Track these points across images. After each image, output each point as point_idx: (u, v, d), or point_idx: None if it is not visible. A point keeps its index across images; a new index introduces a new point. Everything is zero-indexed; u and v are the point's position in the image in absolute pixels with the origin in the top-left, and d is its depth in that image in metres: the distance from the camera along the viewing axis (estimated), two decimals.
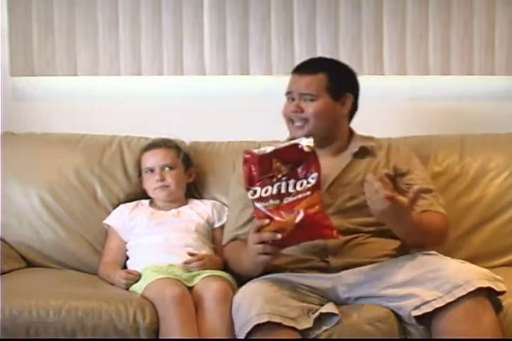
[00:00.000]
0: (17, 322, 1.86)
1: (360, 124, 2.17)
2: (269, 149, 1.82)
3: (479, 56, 2.59)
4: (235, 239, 2.13)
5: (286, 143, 1.85)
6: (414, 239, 1.96)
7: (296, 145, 1.82)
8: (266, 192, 1.79)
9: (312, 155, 1.81)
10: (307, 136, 1.95)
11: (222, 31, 2.64)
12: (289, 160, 1.81)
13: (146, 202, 2.34)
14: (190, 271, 2.07)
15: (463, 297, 1.72)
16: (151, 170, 2.29)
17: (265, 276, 1.97)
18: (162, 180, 2.27)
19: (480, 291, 1.73)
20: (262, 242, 1.78)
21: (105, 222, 2.32)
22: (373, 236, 2.01)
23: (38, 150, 2.49)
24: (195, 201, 2.35)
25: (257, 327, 1.73)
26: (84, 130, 2.55)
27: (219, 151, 2.46)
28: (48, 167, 2.43)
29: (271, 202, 1.79)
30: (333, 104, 2.09)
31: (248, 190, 1.81)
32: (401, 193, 2.01)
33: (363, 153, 2.12)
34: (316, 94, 2.07)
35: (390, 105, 2.57)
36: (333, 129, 2.12)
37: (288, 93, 2.12)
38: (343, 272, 1.94)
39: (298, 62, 2.49)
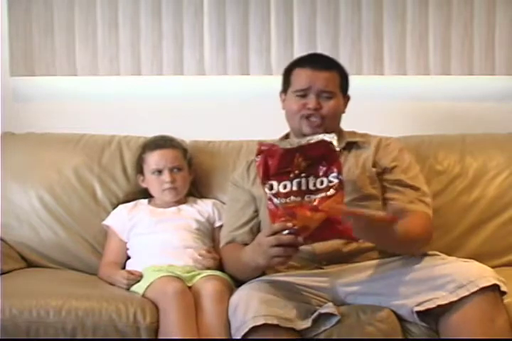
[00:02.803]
0: (17, 322, 1.86)
1: (359, 124, 2.17)
2: (293, 143, 1.74)
3: (479, 56, 2.59)
4: (231, 241, 2.10)
5: (312, 140, 1.75)
6: (400, 250, 1.90)
7: (324, 141, 1.73)
8: (285, 187, 1.70)
9: (335, 153, 1.74)
10: (327, 132, 1.91)
11: (222, 31, 2.64)
12: (311, 157, 1.73)
13: (145, 201, 2.34)
14: (190, 272, 2.08)
15: (473, 297, 1.70)
16: (159, 171, 2.27)
17: (262, 278, 1.96)
18: (172, 182, 2.26)
19: (490, 290, 1.71)
20: (280, 245, 1.66)
21: (104, 223, 2.32)
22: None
23: (37, 150, 2.49)
24: (195, 199, 2.35)
25: (254, 328, 1.72)
26: (84, 130, 2.55)
27: (219, 150, 2.46)
28: (47, 167, 2.43)
29: (292, 198, 1.69)
30: (342, 103, 2.08)
31: (264, 184, 1.72)
32: (384, 190, 2.03)
33: (350, 148, 2.09)
34: (334, 92, 2.04)
35: (390, 105, 2.57)
36: (336, 130, 2.07)
37: (302, 90, 2.04)
38: (341, 268, 1.93)
39: None
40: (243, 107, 2.66)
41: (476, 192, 2.33)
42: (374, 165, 2.05)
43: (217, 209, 2.30)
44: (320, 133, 1.96)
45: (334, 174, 1.72)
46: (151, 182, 2.30)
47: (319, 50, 2.59)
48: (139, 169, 2.33)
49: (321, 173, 1.72)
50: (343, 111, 2.11)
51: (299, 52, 2.61)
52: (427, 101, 2.63)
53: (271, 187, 1.71)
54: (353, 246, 1.96)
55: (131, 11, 2.65)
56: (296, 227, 1.65)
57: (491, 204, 2.32)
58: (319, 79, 2.03)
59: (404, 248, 1.89)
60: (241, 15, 2.63)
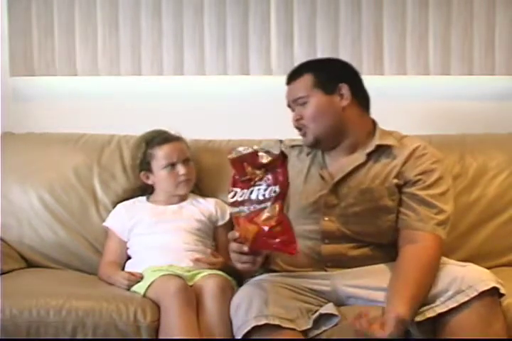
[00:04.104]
0: (17, 322, 1.86)
1: None
2: (235, 153, 1.74)
3: (479, 56, 2.59)
4: None
5: (251, 149, 1.74)
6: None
7: (252, 153, 1.72)
8: (241, 196, 1.71)
9: (276, 163, 1.70)
10: (317, 138, 1.98)
11: (222, 31, 2.64)
12: (260, 165, 1.70)
13: (143, 198, 2.32)
14: (190, 271, 2.08)
15: (471, 302, 1.71)
16: (172, 165, 2.24)
17: (264, 276, 1.97)
18: (187, 174, 2.23)
19: (488, 294, 1.72)
20: (239, 252, 1.72)
21: (104, 224, 2.30)
22: (373, 249, 1.96)
23: (37, 150, 2.49)
24: (195, 196, 2.33)
25: (256, 327, 1.73)
26: (84, 130, 2.56)
27: (220, 149, 2.45)
28: (47, 166, 2.43)
29: (240, 208, 1.70)
30: (328, 98, 2.00)
31: (229, 191, 1.74)
32: (400, 203, 1.96)
33: (380, 152, 1.99)
34: (306, 95, 2.01)
35: (389, 105, 2.56)
36: (340, 125, 2.01)
37: (288, 106, 2.08)
38: (344, 272, 1.93)
39: (298, 62, 2.49)
40: (243, 107, 2.66)
41: (476, 192, 2.33)
42: (397, 177, 1.96)
43: (220, 208, 2.29)
44: (310, 142, 2.01)
45: (276, 186, 1.69)
46: (162, 177, 2.25)
47: (319, 50, 2.61)
48: (145, 166, 2.28)
49: (269, 182, 1.70)
50: (341, 106, 2.00)
51: (299, 52, 2.62)
52: (427, 101, 2.64)
53: (234, 195, 1.73)
54: (359, 251, 1.96)
55: (132, 11, 2.65)
56: (238, 237, 1.70)
57: (491, 204, 2.32)
58: (290, 92, 2.07)
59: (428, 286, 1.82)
60: (241, 15, 2.63)
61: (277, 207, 1.68)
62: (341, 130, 2.01)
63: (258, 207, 1.68)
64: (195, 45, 2.65)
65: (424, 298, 1.77)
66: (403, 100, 2.63)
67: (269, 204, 1.68)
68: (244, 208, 1.70)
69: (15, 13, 2.66)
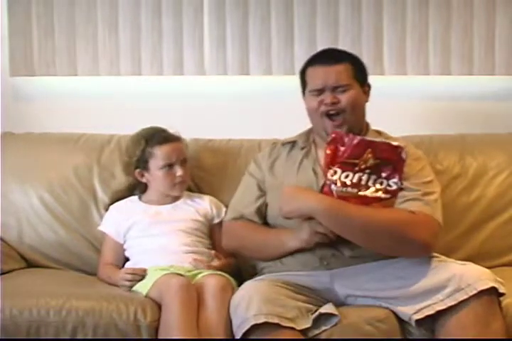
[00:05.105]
0: (17, 322, 1.86)
1: None
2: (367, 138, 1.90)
3: (479, 56, 2.59)
4: (240, 217, 2.10)
5: (386, 141, 1.91)
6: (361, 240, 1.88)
7: (396, 147, 1.87)
8: (346, 177, 1.86)
9: (403, 162, 1.88)
10: (351, 127, 2.01)
11: (222, 31, 2.64)
12: (381, 157, 1.86)
13: (135, 198, 2.29)
14: (191, 271, 2.07)
15: (470, 300, 1.72)
16: (170, 166, 2.20)
17: (264, 276, 1.97)
18: (184, 175, 2.20)
19: (486, 294, 1.72)
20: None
21: (99, 228, 2.27)
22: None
23: (37, 149, 2.49)
24: (189, 194, 2.30)
25: (255, 326, 1.73)
26: (84, 130, 2.55)
27: (219, 148, 2.46)
28: (47, 166, 2.43)
29: (349, 189, 1.86)
30: (361, 92, 2.06)
31: (329, 168, 1.87)
32: None
33: None
34: (348, 84, 2.02)
35: (390, 105, 2.57)
36: (361, 121, 2.08)
37: (317, 89, 2.03)
38: (342, 269, 1.93)
39: (298, 62, 2.51)
40: (243, 107, 2.66)
41: (476, 192, 2.33)
42: None
43: (215, 206, 2.27)
44: (345, 130, 2.00)
45: (395, 180, 1.87)
46: (159, 177, 2.21)
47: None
48: (142, 164, 2.23)
49: (383, 175, 1.87)
50: (366, 101, 2.09)
51: (299, 52, 2.62)
52: (427, 101, 2.64)
53: (334, 173, 1.87)
54: (356, 248, 1.95)
55: (132, 11, 2.65)
56: None
57: (491, 204, 2.32)
58: (331, 75, 2.02)
59: (364, 237, 1.86)
60: (241, 15, 2.63)
61: (393, 201, 1.88)
62: (359, 126, 2.07)
63: (371, 194, 1.86)
64: (194, 45, 2.65)
65: (349, 225, 1.85)
66: (403, 100, 2.63)
67: (388, 196, 1.87)
68: (353, 190, 1.86)
69: (15, 13, 2.66)
